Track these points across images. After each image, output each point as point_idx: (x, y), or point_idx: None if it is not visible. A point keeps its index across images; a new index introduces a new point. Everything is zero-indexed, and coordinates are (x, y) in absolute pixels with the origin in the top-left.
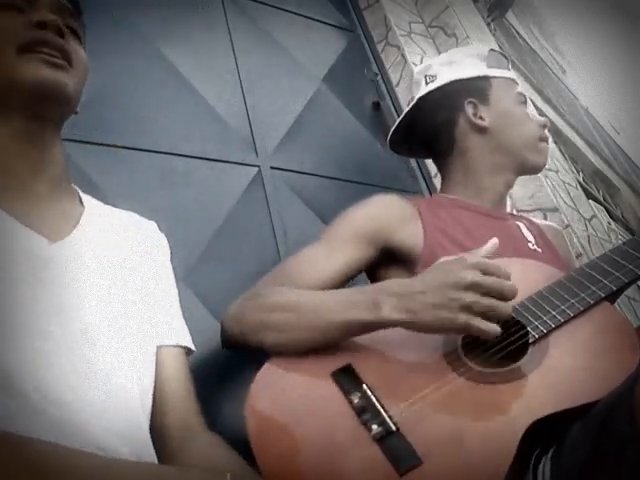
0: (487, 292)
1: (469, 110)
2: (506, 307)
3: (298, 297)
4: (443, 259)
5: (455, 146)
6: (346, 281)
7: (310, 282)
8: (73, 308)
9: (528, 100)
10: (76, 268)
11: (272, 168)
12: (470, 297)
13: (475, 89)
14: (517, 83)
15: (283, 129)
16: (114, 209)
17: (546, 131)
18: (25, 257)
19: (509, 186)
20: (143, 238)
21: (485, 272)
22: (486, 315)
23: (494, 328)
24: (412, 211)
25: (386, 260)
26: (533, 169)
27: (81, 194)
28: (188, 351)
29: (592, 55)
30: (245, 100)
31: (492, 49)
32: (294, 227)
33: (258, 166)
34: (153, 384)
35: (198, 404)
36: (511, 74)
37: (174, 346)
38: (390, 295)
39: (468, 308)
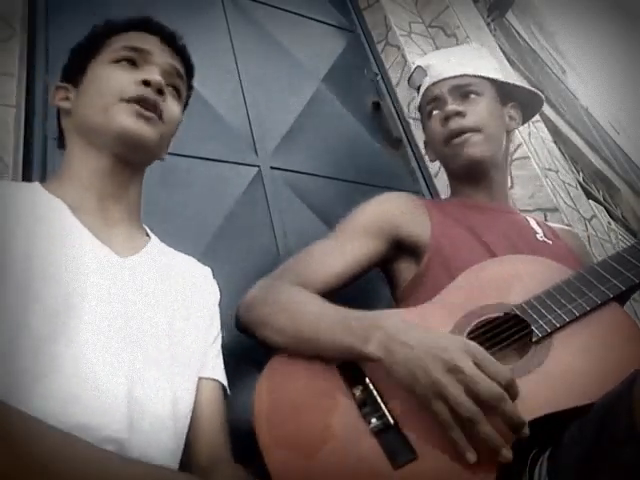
0: (464, 383)
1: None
2: (467, 409)
3: (300, 304)
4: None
5: None
6: (357, 276)
7: (321, 276)
8: (128, 320)
9: (441, 92)
10: (138, 284)
11: (272, 168)
12: (443, 379)
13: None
14: (435, 82)
15: (283, 129)
16: (175, 252)
17: (452, 123)
18: (95, 267)
19: (489, 186)
20: (197, 281)
21: (478, 364)
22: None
23: (447, 417)
24: (420, 206)
25: (396, 253)
26: (460, 170)
27: (149, 232)
28: (225, 391)
29: (592, 55)
30: (245, 100)
31: (409, 77)
32: (294, 227)
33: (258, 166)
34: (189, 413)
35: (228, 438)
36: (424, 83)
37: (211, 379)
38: (383, 333)
39: (435, 385)
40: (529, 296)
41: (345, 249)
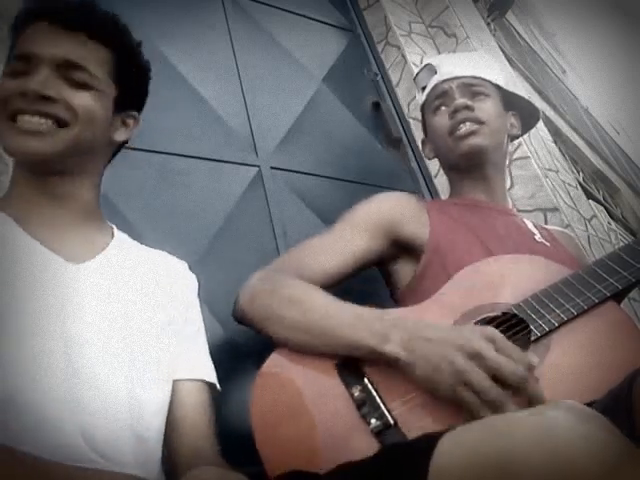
0: (487, 368)
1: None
2: (493, 393)
3: (310, 297)
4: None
5: None
6: (353, 273)
7: (317, 271)
8: (83, 326)
9: (450, 87)
10: (93, 290)
11: (272, 168)
12: (466, 365)
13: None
14: (445, 79)
15: (283, 129)
16: (148, 248)
17: (460, 114)
18: (43, 275)
19: (487, 184)
20: (172, 276)
21: (499, 350)
22: (472, 389)
23: (474, 401)
24: (419, 206)
25: (395, 253)
26: (462, 161)
27: (116, 231)
28: (212, 388)
29: (592, 55)
30: (245, 100)
31: (416, 74)
32: (294, 227)
33: (258, 166)
34: (158, 414)
35: (214, 434)
36: (433, 81)
37: (193, 380)
38: (402, 331)
39: (459, 374)
40: (525, 295)
41: (342, 246)
